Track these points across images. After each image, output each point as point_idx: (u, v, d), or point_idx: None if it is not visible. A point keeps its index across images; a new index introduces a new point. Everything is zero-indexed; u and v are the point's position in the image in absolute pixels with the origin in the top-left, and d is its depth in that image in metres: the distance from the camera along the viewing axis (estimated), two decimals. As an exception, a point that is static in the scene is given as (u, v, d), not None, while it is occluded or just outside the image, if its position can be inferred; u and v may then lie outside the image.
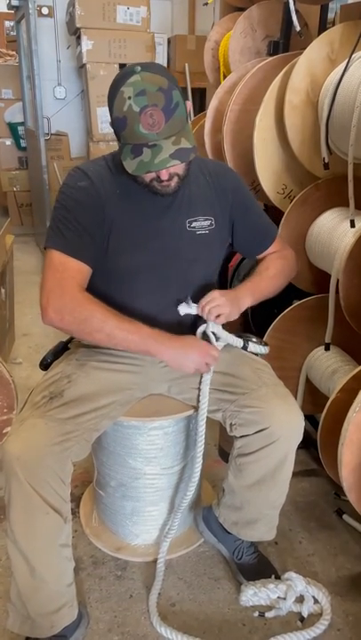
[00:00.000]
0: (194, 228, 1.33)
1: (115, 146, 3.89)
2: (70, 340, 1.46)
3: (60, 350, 1.43)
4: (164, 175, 1.18)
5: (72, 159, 4.43)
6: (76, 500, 1.71)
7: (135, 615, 1.37)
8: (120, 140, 1.16)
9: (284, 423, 1.26)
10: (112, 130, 1.17)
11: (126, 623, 1.35)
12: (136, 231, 1.28)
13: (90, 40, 3.71)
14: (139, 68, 1.10)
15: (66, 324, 1.20)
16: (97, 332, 1.19)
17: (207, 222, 1.34)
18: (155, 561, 1.49)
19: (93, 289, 1.24)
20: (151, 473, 1.48)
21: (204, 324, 1.31)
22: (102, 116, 3.81)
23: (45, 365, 1.40)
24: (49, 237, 1.24)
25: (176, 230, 1.31)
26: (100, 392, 1.28)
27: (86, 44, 3.72)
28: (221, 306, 1.26)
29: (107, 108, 1.17)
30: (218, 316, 1.27)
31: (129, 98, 1.08)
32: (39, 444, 1.13)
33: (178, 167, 1.19)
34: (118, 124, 1.12)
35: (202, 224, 1.34)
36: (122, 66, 3.83)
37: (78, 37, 3.83)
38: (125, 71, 1.13)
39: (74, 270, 1.22)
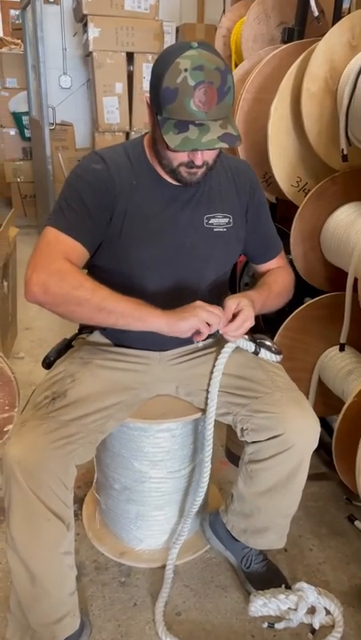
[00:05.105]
0: (212, 224, 1.27)
1: (121, 137, 3.88)
2: (74, 337, 1.40)
3: (64, 348, 1.36)
4: (199, 160, 1.11)
5: (77, 150, 4.36)
6: (78, 501, 1.66)
7: (140, 624, 1.32)
8: (160, 114, 1.08)
9: (300, 430, 1.20)
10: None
11: (130, 633, 1.30)
12: (150, 223, 1.21)
13: (97, 27, 3.63)
14: (196, 44, 1.05)
15: (50, 297, 1.09)
16: (84, 302, 1.09)
17: (225, 220, 1.28)
18: (159, 567, 1.44)
19: (100, 280, 1.16)
20: (157, 476, 1.42)
21: None
22: (108, 105, 3.72)
23: (48, 364, 1.34)
24: (49, 215, 1.17)
25: (193, 226, 1.25)
26: (105, 392, 1.22)
27: (93, 32, 3.64)
28: (249, 323, 1.20)
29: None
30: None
31: (185, 70, 1.02)
32: (41, 447, 1.07)
33: (211, 155, 1.14)
34: (167, 95, 1.04)
35: (220, 221, 1.27)
36: (129, 54, 3.75)
37: (85, 25, 3.74)
38: (181, 45, 1.07)
39: (67, 246, 1.14)
